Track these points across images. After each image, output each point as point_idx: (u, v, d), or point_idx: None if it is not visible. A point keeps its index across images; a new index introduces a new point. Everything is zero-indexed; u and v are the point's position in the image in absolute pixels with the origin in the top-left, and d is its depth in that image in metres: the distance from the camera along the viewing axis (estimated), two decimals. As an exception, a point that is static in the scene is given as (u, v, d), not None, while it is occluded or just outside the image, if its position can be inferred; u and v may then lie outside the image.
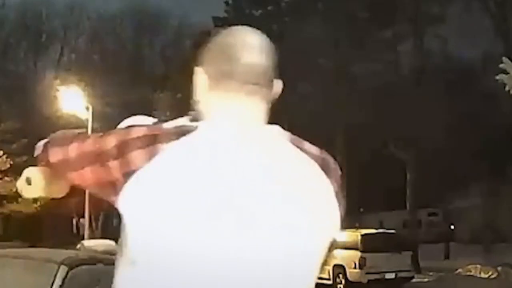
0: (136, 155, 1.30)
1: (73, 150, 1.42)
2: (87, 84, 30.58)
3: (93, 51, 51.45)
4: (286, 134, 1.41)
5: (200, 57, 1.46)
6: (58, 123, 28.26)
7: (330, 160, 1.44)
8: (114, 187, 1.32)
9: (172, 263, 1.28)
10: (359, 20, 30.43)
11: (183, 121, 1.39)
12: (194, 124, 1.36)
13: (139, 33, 52.57)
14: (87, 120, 25.51)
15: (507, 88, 12.08)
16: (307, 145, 1.42)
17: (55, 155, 1.48)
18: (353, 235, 19.75)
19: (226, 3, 35.37)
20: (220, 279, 1.28)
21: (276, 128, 1.40)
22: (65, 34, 52.12)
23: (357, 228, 22.33)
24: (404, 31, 31.02)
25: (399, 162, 29.10)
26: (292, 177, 1.34)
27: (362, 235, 19.27)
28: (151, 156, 1.30)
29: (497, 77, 12.14)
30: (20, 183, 1.64)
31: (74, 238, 34.79)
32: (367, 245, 18.85)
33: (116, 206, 1.33)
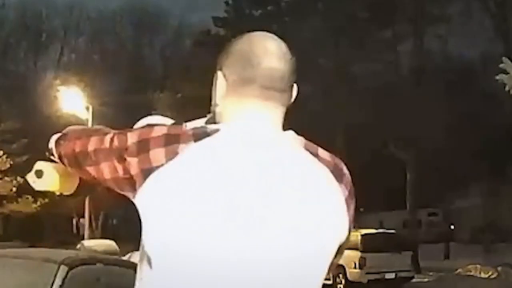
0: (156, 153, 1.34)
1: (92, 144, 1.45)
2: (87, 84, 30.60)
3: (93, 51, 51.46)
4: (300, 139, 1.44)
5: (220, 62, 1.48)
6: (58, 123, 28.27)
7: (342, 166, 1.48)
8: (131, 183, 1.36)
9: (187, 262, 1.31)
10: (359, 20, 30.44)
11: (200, 122, 1.44)
12: (214, 127, 1.39)
13: (138, 33, 52.58)
14: (87, 120, 25.51)
15: (507, 88, 12.09)
16: (320, 150, 1.45)
17: (73, 147, 1.51)
18: (353, 235, 19.69)
19: (226, 3, 35.37)
20: (230, 279, 1.32)
21: (291, 133, 1.44)
22: (65, 34, 52.13)
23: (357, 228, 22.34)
24: (404, 31, 31.03)
25: (399, 162, 29.10)
26: (302, 182, 1.38)
27: (362, 235, 19.26)
28: (170, 155, 1.33)
29: (497, 77, 12.16)
30: (31, 176, 1.65)
31: (74, 238, 34.81)
32: (367, 245, 18.85)
33: (133, 201, 1.37)
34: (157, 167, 1.32)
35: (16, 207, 33.32)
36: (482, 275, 21.32)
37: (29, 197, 32.29)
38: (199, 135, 1.35)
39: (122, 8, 51.80)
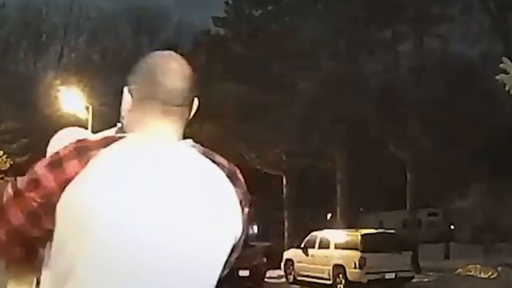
0: (71, 165, 1.45)
1: (11, 189, 1.50)
2: (87, 84, 30.58)
3: (93, 50, 51.43)
4: (198, 147, 1.58)
5: (129, 78, 1.63)
6: (58, 123, 28.17)
7: (237, 171, 1.62)
8: (49, 206, 1.44)
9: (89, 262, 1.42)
10: (359, 20, 30.40)
11: (109, 132, 1.59)
12: (121, 135, 1.53)
13: (138, 33, 52.56)
14: (87, 120, 25.50)
15: (507, 88, 12.11)
16: (217, 157, 1.59)
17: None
18: (353, 235, 19.74)
19: (226, 3, 35.29)
20: (135, 276, 1.42)
21: (189, 142, 1.58)
22: (65, 33, 52.08)
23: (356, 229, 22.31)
24: (404, 31, 31.00)
25: (399, 162, 29.07)
26: (197, 187, 1.50)
27: (362, 235, 19.26)
28: (84, 162, 1.46)
29: (497, 77, 12.17)
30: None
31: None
32: (367, 245, 18.83)
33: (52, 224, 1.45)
34: (73, 177, 1.44)
35: (16, 207, 33.25)
36: (482, 275, 21.31)
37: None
38: (107, 142, 1.49)
39: (122, 8, 51.80)
